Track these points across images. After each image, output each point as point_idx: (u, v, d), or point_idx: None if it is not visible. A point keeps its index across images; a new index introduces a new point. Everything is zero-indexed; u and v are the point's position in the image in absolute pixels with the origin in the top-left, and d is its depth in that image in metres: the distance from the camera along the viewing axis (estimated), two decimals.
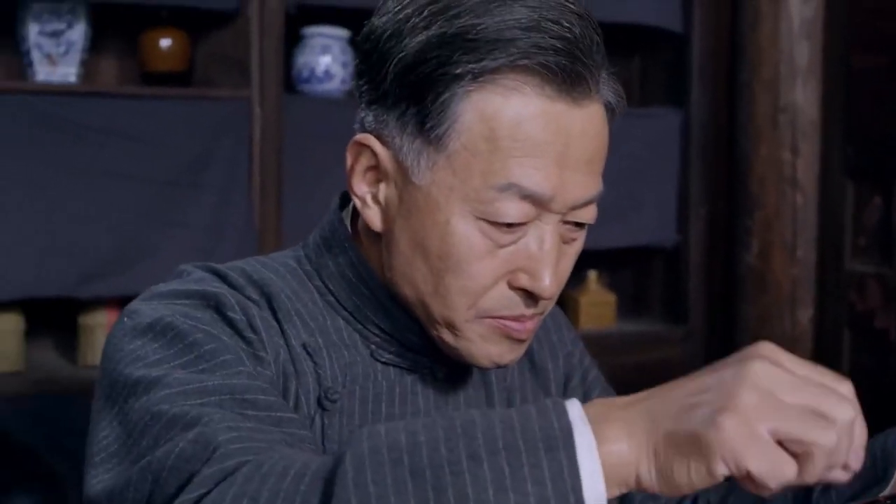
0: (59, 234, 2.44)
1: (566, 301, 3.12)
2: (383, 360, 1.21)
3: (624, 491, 0.89)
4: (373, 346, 1.21)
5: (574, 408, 0.89)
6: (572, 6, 1.11)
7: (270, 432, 1.01)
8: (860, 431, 0.89)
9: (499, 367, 1.19)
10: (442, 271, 1.12)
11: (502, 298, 1.14)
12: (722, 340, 3.22)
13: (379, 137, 1.15)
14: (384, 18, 1.14)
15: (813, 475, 0.86)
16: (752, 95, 3.09)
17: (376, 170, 1.16)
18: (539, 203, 1.10)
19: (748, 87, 3.09)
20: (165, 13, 2.72)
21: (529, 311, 1.15)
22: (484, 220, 1.10)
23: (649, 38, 3.23)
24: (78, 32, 2.62)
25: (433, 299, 1.14)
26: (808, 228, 3.10)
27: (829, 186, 3.09)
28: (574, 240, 1.18)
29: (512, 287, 1.14)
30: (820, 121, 3.08)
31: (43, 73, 2.60)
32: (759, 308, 3.10)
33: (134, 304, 1.16)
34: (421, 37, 1.10)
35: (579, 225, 1.16)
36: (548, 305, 1.18)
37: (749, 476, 0.85)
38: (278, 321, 1.17)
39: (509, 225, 1.11)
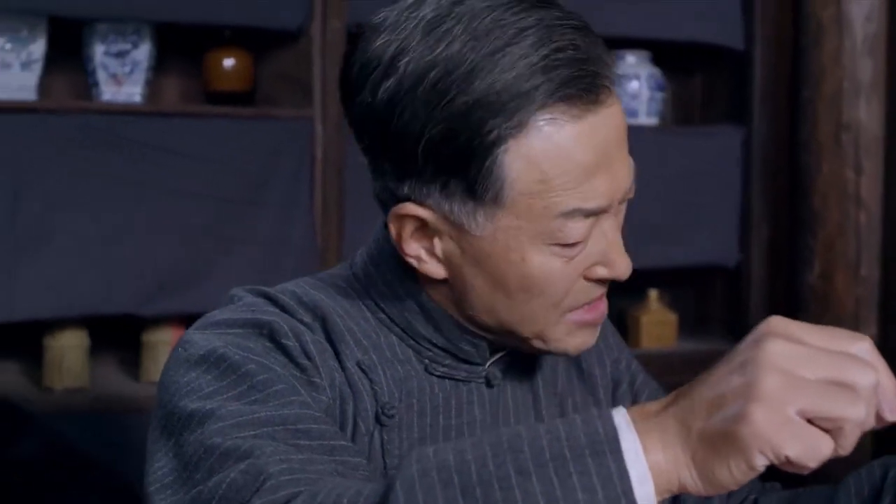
0: (123, 252, 2.46)
1: (626, 320, 3.11)
2: (438, 373, 1.22)
3: (668, 496, 0.89)
4: (426, 361, 1.22)
5: (619, 414, 0.89)
6: (568, 22, 1.11)
7: (323, 462, 1.02)
8: (888, 383, 0.89)
9: (586, 350, 1.23)
10: (526, 300, 1.15)
11: (580, 292, 1.17)
12: None
13: (420, 204, 1.14)
14: (382, 95, 1.12)
15: (848, 447, 0.86)
16: (815, 113, 3.07)
17: (425, 228, 1.16)
18: (601, 212, 1.12)
19: (810, 104, 3.07)
20: (229, 33, 2.75)
21: (602, 292, 1.19)
22: (555, 244, 1.11)
23: (710, 56, 3.22)
24: (143, 52, 2.65)
25: (522, 324, 1.17)
26: (872, 247, 3.07)
27: (892, 204, 3.06)
28: (620, 211, 1.20)
29: (588, 279, 1.17)
30: (883, 138, 3.05)
31: (108, 92, 2.63)
32: None
33: (188, 334, 1.17)
34: (443, 112, 1.09)
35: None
36: None
37: (788, 460, 0.85)
38: (332, 342, 1.18)
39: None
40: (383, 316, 1.23)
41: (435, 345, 1.22)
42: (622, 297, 3.20)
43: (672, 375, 2.93)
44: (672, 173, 3.02)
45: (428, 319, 1.21)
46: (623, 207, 1.19)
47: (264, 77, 2.81)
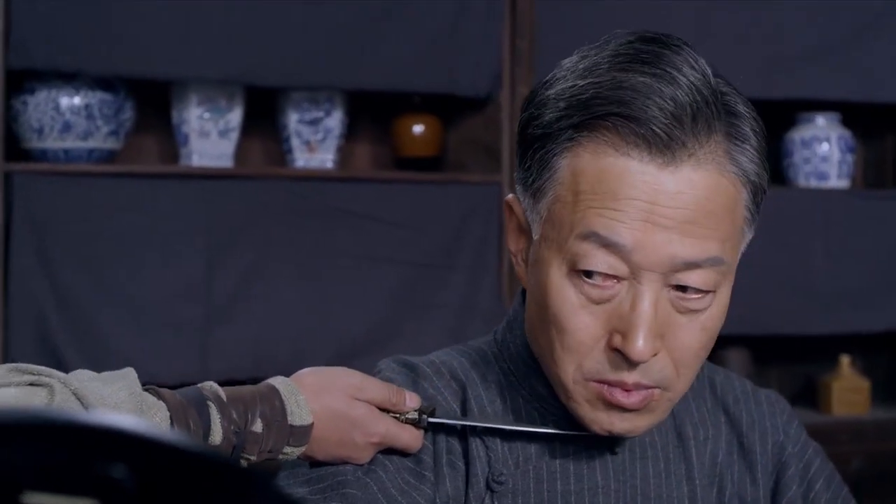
0: (315, 315, 2.52)
1: (817, 386, 3.06)
2: (561, 437, 1.23)
3: None
4: (550, 424, 1.23)
5: None
6: (693, 74, 1.09)
7: None
8: None
9: (612, 434, 1.17)
10: (550, 326, 1.14)
11: (603, 360, 1.13)
12: None
13: (517, 198, 1.20)
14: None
15: None
16: None
17: (521, 231, 1.20)
18: (623, 255, 1.09)
19: None
20: (418, 100, 2.80)
21: (631, 379, 1.13)
22: (573, 270, 1.11)
23: None
24: (335, 120, 2.71)
25: (550, 359, 1.16)
26: None
27: None
28: (693, 310, 1.13)
29: (610, 348, 1.13)
30: None
31: (302, 159, 2.70)
32: None
33: None
34: (540, 98, 1.15)
35: (697, 292, 1.12)
36: (667, 379, 1.14)
37: None
38: (463, 411, 1.24)
39: (592, 275, 1.10)
40: (513, 379, 1.26)
41: (558, 408, 1.22)
42: (812, 363, 3.14)
43: (865, 443, 2.89)
44: (864, 236, 2.96)
45: (549, 384, 1.22)
46: (696, 305, 1.12)
47: (453, 143, 2.85)
